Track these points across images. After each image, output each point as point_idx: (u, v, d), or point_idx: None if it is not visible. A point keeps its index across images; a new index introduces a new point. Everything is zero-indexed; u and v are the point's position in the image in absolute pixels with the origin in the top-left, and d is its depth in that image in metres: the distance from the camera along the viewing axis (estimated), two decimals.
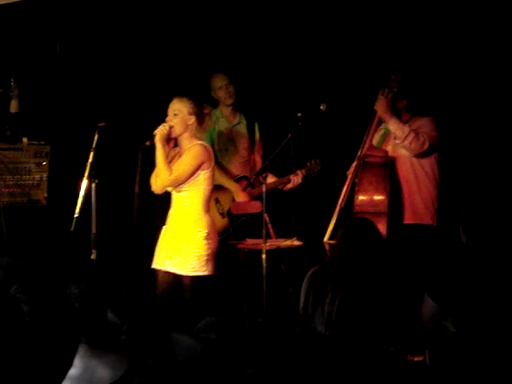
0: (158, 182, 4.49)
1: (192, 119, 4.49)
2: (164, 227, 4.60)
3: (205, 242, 4.45)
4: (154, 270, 4.57)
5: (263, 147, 5.64)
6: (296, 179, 5.24)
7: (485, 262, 3.07)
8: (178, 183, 4.46)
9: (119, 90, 5.76)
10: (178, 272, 4.46)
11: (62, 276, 2.18)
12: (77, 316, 1.32)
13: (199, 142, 4.52)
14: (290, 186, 5.28)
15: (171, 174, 4.42)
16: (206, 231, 4.47)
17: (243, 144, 5.58)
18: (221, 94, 5.50)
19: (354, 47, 5.53)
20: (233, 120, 5.60)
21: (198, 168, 4.45)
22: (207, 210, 4.54)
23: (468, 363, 3.05)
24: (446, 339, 3.17)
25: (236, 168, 5.50)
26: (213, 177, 4.57)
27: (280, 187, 5.35)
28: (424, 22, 5.22)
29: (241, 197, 5.31)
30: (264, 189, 4.77)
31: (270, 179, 5.30)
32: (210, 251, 4.47)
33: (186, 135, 4.51)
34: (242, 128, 5.61)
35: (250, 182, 5.31)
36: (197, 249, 4.44)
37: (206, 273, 4.46)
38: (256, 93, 5.72)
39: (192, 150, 4.47)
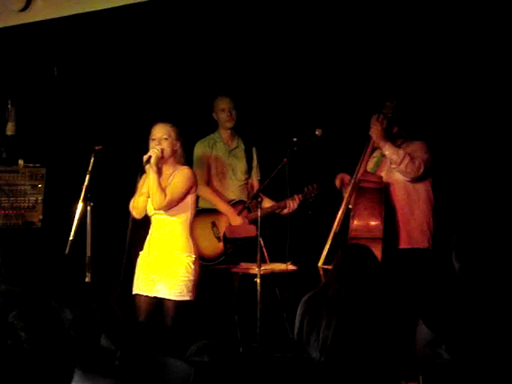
0: (149, 204, 4.51)
1: (178, 144, 4.58)
2: (141, 252, 4.60)
3: (193, 267, 4.47)
4: (135, 297, 4.55)
5: (260, 172, 5.65)
6: (293, 204, 5.25)
7: (479, 290, 3.07)
8: (172, 206, 4.48)
9: (116, 113, 5.79)
10: (166, 297, 4.44)
11: (57, 301, 2.18)
12: (72, 342, 1.32)
13: (185, 166, 4.56)
14: (286, 210, 5.29)
15: (166, 196, 4.43)
16: (194, 256, 4.50)
17: (241, 168, 5.59)
18: (222, 117, 5.51)
19: (350, 73, 5.56)
20: (231, 144, 5.61)
21: (188, 191, 4.49)
22: (190, 233, 4.57)
23: None
24: (440, 366, 3.16)
25: (233, 193, 5.50)
26: (196, 201, 4.62)
27: (277, 212, 5.36)
28: (419, 48, 5.26)
29: (236, 220, 5.31)
30: (259, 213, 4.78)
31: (268, 203, 5.32)
32: (196, 277, 4.49)
33: (170, 160, 4.56)
34: (240, 152, 5.62)
35: (245, 206, 5.32)
36: (186, 273, 4.45)
37: (191, 298, 4.47)
38: (252, 118, 5.73)
39: (183, 173, 4.53)
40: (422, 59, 5.28)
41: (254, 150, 5.65)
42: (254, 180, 5.63)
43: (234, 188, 5.52)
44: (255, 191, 5.44)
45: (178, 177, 4.52)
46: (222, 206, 5.34)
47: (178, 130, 4.56)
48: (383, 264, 4.46)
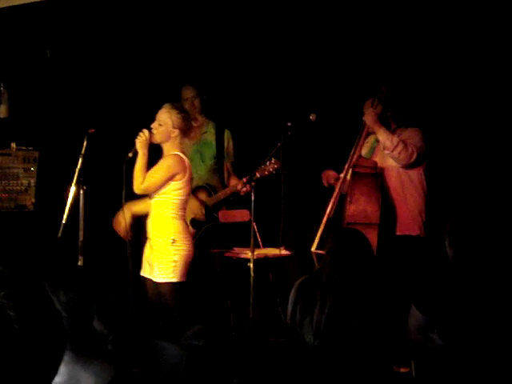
0: (133, 187, 4.53)
1: (176, 132, 4.53)
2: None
3: (171, 247, 4.48)
4: (143, 278, 4.63)
5: (243, 154, 5.59)
6: (239, 186, 5.20)
7: (471, 276, 3.08)
8: (149, 192, 4.53)
9: (109, 96, 5.76)
10: (153, 278, 4.51)
11: (51, 283, 2.17)
12: (62, 323, 1.32)
13: (175, 152, 4.54)
14: (241, 193, 5.26)
15: (143, 182, 4.46)
16: (173, 237, 4.49)
17: (209, 154, 5.55)
18: (186, 106, 5.42)
19: (344, 58, 5.54)
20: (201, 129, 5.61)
21: (169, 178, 4.48)
22: (178, 217, 4.55)
23: (454, 375, 3.06)
24: (432, 351, 3.17)
25: (201, 178, 5.44)
26: (187, 187, 4.57)
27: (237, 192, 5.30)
28: (413, 33, 5.24)
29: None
30: (253, 197, 4.77)
31: (233, 182, 5.33)
32: (176, 257, 4.47)
33: (167, 144, 4.56)
34: (209, 137, 5.59)
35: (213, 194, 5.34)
36: (165, 254, 4.48)
37: (174, 279, 4.46)
38: (247, 102, 5.72)
39: (165, 160, 4.54)
40: (417, 45, 5.26)
41: (226, 132, 5.60)
42: (228, 163, 5.60)
43: (202, 173, 5.48)
44: (231, 174, 5.47)
45: (160, 164, 4.52)
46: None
47: (181, 118, 4.52)
48: (379, 250, 4.47)
